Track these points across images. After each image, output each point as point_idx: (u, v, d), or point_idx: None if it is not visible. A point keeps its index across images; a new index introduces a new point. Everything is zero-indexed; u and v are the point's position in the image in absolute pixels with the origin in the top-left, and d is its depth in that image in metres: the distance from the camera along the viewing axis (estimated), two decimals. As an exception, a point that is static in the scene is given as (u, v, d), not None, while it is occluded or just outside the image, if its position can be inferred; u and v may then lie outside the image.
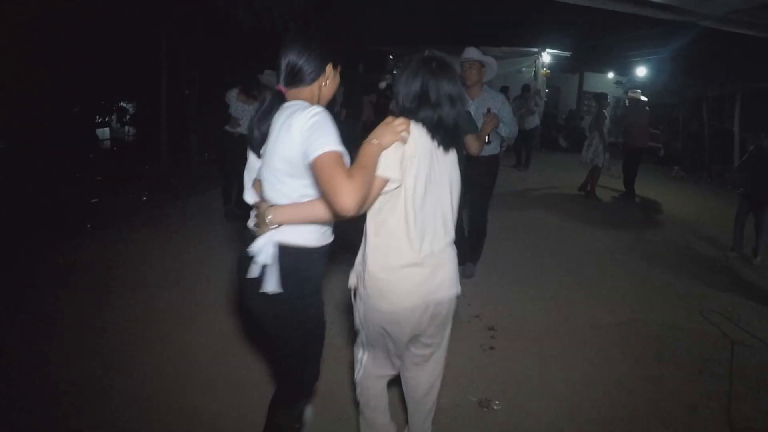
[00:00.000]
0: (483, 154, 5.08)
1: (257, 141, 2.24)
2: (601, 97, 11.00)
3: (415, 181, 2.28)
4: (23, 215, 6.91)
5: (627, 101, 12.02)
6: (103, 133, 15.27)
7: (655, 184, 12.93)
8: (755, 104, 15.42)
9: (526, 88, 14.51)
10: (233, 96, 7.32)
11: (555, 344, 4.55)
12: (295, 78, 2.25)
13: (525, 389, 3.81)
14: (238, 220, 7.40)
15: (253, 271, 2.18)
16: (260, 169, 2.25)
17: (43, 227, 6.92)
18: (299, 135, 2.04)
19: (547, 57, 16.79)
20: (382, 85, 14.43)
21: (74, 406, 3.35)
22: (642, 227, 8.74)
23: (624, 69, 20.40)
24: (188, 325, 4.50)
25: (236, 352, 4.09)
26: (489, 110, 5.12)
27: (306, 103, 2.16)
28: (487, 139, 5.02)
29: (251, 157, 2.35)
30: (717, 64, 15.14)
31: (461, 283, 2.68)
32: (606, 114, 10.65)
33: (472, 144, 4.54)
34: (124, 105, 15.47)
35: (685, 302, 5.65)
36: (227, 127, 7.26)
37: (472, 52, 5.28)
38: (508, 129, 5.36)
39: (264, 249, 2.16)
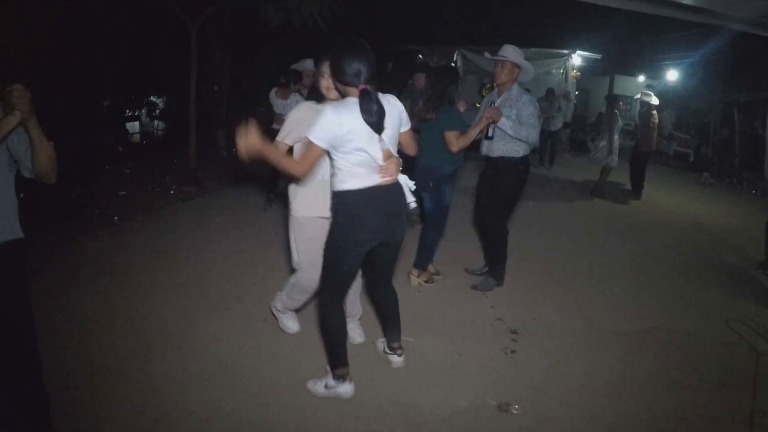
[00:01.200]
0: (493, 154, 5.15)
1: (375, 123, 2.98)
2: (613, 99, 11.23)
3: None
4: (52, 206, 7.01)
5: (639, 104, 11.91)
6: (133, 127, 15.51)
7: (683, 190, 12.81)
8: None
9: (550, 91, 14.50)
10: (273, 96, 7.68)
11: (577, 350, 4.52)
12: (372, 76, 3.01)
13: (546, 394, 3.80)
14: (279, 205, 7.65)
15: (409, 198, 3.34)
16: (381, 139, 3.07)
17: (71, 219, 7.03)
18: (400, 114, 3.25)
19: (577, 59, 16.62)
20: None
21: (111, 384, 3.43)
22: (667, 234, 8.60)
23: (655, 72, 20.21)
24: (209, 318, 4.57)
25: (260, 347, 4.15)
26: (492, 104, 5.08)
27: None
28: (488, 133, 5.04)
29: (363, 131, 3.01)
30: (749, 69, 14.93)
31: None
32: (618, 115, 10.67)
33: (452, 141, 4.83)
34: (154, 99, 15.71)
35: (711, 311, 5.54)
36: (274, 125, 7.34)
37: (507, 51, 5.00)
38: (521, 129, 4.91)
39: (407, 182, 3.30)
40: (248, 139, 2.84)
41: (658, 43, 16.59)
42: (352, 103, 2.98)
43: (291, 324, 4.36)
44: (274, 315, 4.43)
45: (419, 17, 16.49)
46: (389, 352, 3.97)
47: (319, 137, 2.95)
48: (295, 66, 7.68)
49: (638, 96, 11.64)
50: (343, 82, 3.07)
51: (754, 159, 15.91)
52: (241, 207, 8.10)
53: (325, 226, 3.32)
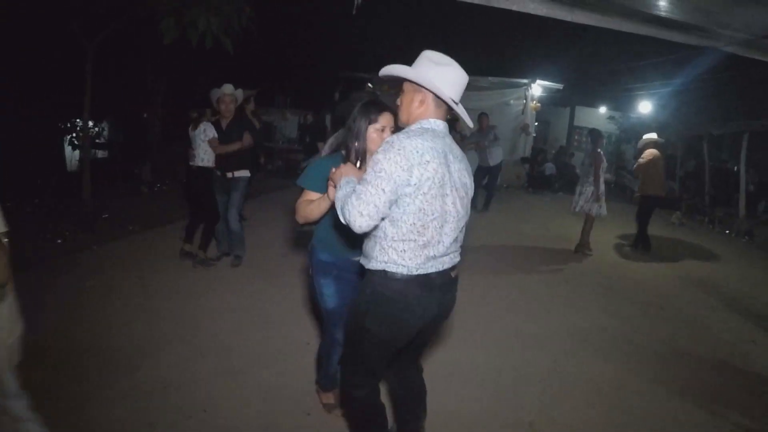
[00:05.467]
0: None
1: None
2: (597, 135, 9.32)
3: None
4: None
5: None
6: (73, 155, 13.94)
7: (653, 235, 11.71)
8: (759, 143, 14.46)
9: (481, 116, 12.29)
10: (190, 132, 6.67)
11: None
12: None
13: None
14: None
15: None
16: None
17: None
18: None
19: (537, 88, 15.61)
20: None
21: None
22: (652, 296, 7.37)
23: (617, 103, 19.52)
24: None
25: None
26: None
27: None
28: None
29: None
30: (718, 101, 14.25)
31: None
32: (603, 155, 8.99)
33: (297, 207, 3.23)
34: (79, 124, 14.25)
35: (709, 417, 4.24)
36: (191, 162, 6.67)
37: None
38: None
39: None
40: None
41: (621, 72, 15.78)
42: None
43: None
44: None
45: (369, 45, 15.51)
46: None
47: None
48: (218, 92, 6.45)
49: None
50: None
51: (725, 195, 15.12)
52: (132, 263, 6.62)
53: None
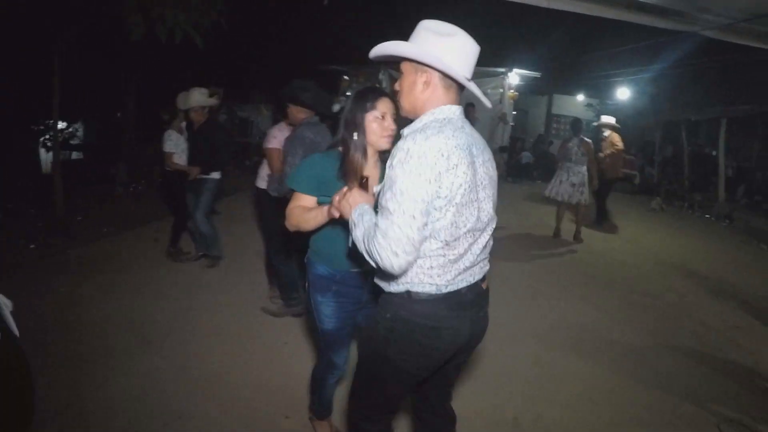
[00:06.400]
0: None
1: None
2: (578, 125, 9.24)
3: None
4: None
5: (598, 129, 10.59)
6: (48, 157, 13.64)
7: (635, 219, 11.71)
8: (736, 129, 14.59)
9: (469, 107, 12.43)
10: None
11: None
12: None
13: None
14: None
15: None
16: None
17: None
18: None
19: (515, 77, 15.54)
20: (335, 107, 12.99)
21: None
22: (634, 284, 7.34)
23: (595, 91, 19.55)
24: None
25: None
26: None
27: None
28: None
29: None
30: (695, 87, 14.31)
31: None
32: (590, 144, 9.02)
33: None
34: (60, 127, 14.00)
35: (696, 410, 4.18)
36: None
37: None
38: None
39: None
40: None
41: (599, 59, 15.76)
42: None
43: None
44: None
45: (343, 36, 15.34)
46: None
47: None
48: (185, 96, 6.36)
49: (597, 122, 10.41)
50: None
51: (703, 180, 15.23)
52: (107, 266, 6.45)
53: None
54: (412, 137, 2.02)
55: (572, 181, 8.85)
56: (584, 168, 8.86)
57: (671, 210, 13.65)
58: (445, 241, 2.06)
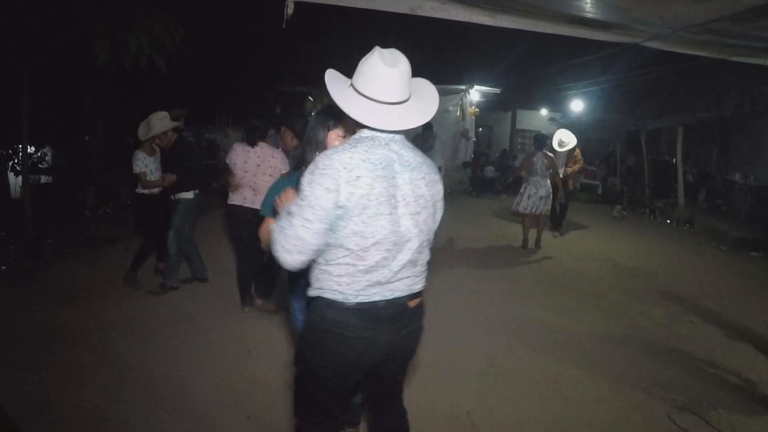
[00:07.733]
0: None
1: None
2: (541, 140, 9.76)
3: None
4: None
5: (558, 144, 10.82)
6: (17, 181, 13.50)
7: (597, 227, 11.98)
8: (696, 136, 14.99)
9: (428, 126, 12.72)
10: None
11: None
12: None
13: None
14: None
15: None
16: None
17: None
18: None
19: (475, 94, 15.84)
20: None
21: None
22: (591, 288, 7.58)
23: (557, 105, 19.88)
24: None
25: None
26: None
27: None
28: None
29: None
30: (653, 96, 14.64)
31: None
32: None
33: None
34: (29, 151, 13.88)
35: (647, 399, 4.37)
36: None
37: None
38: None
39: None
40: None
41: (556, 73, 16.10)
42: None
43: None
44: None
45: (307, 57, 15.53)
46: None
47: None
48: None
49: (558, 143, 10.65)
50: None
51: (664, 186, 15.60)
52: (76, 287, 6.50)
53: None
54: (325, 153, 2.18)
55: (540, 195, 9.23)
56: (548, 181, 9.24)
57: (633, 217, 13.96)
58: (352, 250, 2.15)
